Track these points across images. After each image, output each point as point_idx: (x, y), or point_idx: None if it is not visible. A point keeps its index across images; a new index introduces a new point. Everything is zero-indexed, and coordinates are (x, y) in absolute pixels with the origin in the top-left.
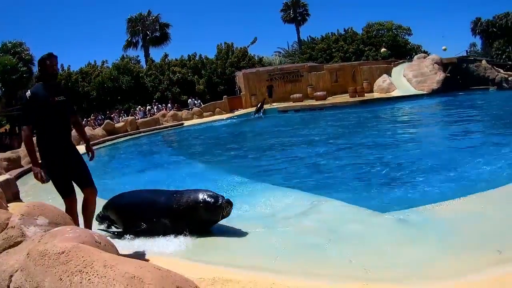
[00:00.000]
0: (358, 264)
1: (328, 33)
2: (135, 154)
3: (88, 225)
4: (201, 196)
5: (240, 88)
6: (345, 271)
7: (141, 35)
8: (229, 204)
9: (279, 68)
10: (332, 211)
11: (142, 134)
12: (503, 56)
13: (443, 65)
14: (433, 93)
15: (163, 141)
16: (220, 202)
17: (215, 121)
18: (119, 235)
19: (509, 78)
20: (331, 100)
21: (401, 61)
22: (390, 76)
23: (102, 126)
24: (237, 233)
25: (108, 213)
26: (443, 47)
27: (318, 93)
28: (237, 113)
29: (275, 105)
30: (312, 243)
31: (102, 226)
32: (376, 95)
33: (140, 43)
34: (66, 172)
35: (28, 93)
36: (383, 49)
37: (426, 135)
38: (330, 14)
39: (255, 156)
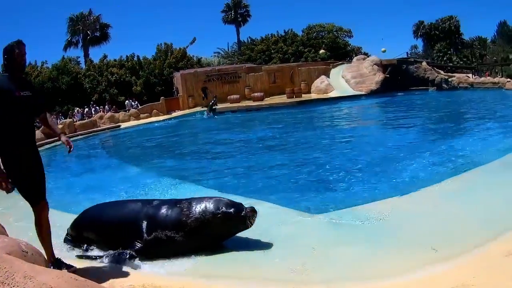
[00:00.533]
0: (289, 266)
1: (268, 35)
2: (72, 158)
3: (48, 246)
4: (218, 205)
5: (178, 89)
6: (276, 274)
7: (81, 34)
8: (254, 212)
9: (217, 69)
10: (265, 213)
11: (80, 136)
12: (444, 58)
13: (383, 66)
14: (371, 94)
15: (99, 144)
16: (244, 212)
17: (151, 122)
18: (106, 258)
19: (449, 79)
20: (269, 101)
21: (340, 62)
22: (329, 78)
23: (40, 129)
24: None
25: (84, 232)
26: (382, 49)
27: (256, 94)
28: (174, 114)
29: None
30: (243, 246)
31: (78, 251)
32: (313, 96)
33: (81, 43)
34: (33, 175)
35: None
36: (321, 50)
37: (361, 135)
38: (271, 16)
39: (189, 159)
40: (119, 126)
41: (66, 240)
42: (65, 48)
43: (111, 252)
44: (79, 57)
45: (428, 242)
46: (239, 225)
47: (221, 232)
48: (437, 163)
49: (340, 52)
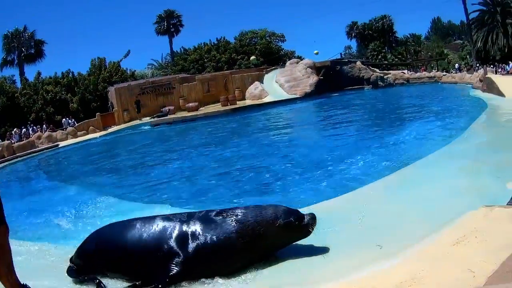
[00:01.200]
0: (231, 276)
1: (201, 44)
2: (12, 181)
3: (10, 272)
4: (275, 213)
5: (113, 104)
6: (216, 285)
7: (16, 52)
8: (315, 219)
9: (151, 81)
10: None
11: (19, 158)
12: (379, 57)
13: (316, 68)
14: (306, 96)
15: (39, 165)
16: (305, 219)
17: (89, 139)
18: None
19: (385, 77)
20: (203, 110)
21: (273, 67)
22: (263, 83)
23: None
24: None
25: (96, 260)
26: (315, 52)
27: (190, 104)
28: (110, 130)
29: (147, 119)
30: None
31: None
32: (248, 102)
33: (16, 61)
34: None
35: None
36: (252, 57)
37: (298, 138)
38: (204, 24)
39: (125, 175)
40: (57, 145)
41: (70, 272)
42: (0, 67)
43: (137, 283)
44: (14, 75)
45: (373, 239)
46: (300, 234)
47: (280, 242)
48: (377, 160)
49: (274, 57)
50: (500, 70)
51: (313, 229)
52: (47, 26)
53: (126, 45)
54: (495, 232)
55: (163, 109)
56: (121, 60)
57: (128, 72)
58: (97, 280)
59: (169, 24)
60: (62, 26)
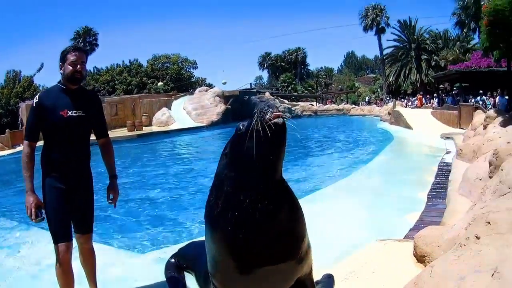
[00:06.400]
0: None
1: (113, 65)
2: None
3: (93, 278)
4: None
5: (23, 121)
6: None
7: None
8: None
9: None
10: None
11: None
12: (289, 88)
13: (225, 97)
14: (212, 125)
15: None
16: None
17: None
18: None
19: (293, 108)
20: (110, 134)
21: (182, 94)
22: (170, 109)
23: None
24: None
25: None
26: (223, 81)
27: None
28: (19, 148)
29: None
30: None
31: None
32: (154, 128)
33: None
34: (66, 209)
35: (36, 98)
36: (160, 83)
37: (198, 168)
38: (118, 45)
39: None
40: None
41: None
42: None
43: None
44: None
45: None
46: None
47: None
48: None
49: (184, 83)
50: (410, 103)
51: None
52: None
53: (42, 60)
54: (387, 266)
55: None
56: (34, 75)
57: (41, 88)
58: None
59: (85, 41)
60: None
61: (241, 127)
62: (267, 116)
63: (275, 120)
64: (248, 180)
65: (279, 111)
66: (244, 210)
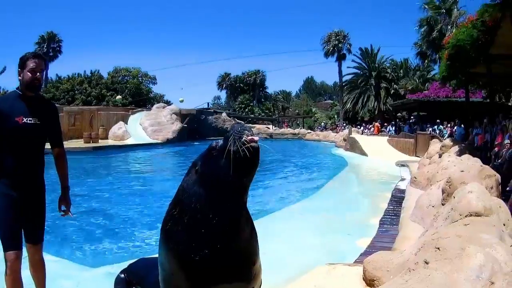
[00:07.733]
0: None
1: (75, 74)
2: None
3: None
4: None
5: None
6: None
7: None
8: None
9: None
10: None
11: None
12: (246, 110)
13: (182, 115)
14: (168, 143)
15: None
16: None
17: None
18: None
19: None
20: (65, 144)
21: (139, 109)
22: (127, 124)
23: None
24: None
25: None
26: (180, 99)
27: None
28: None
29: None
30: None
31: None
32: (110, 142)
33: None
34: (17, 217)
35: None
36: (118, 97)
37: (151, 184)
38: (81, 54)
39: None
40: None
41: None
42: None
43: None
44: None
45: None
46: None
47: None
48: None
49: (143, 98)
50: (366, 130)
51: None
52: None
53: (4, 62)
54: None
55: None
56: None
57: (2, 91)
58: None
59: (49, 47)
60: None
61: (216, 146)
62: (243, 139)
63: (252, 144)
64: (219, 198)
65: (253, 135)
66: (212, 228)
